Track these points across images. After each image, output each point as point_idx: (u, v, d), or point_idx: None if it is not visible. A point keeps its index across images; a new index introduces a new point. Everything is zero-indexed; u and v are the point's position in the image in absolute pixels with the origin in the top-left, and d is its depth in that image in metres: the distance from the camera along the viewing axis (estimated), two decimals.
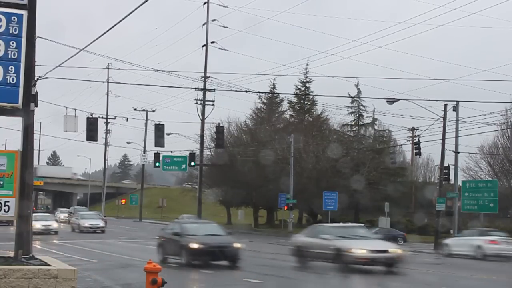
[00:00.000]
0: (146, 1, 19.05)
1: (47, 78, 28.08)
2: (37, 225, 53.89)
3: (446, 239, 47.42)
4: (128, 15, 21.14)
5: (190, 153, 73.91)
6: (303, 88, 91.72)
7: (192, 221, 44.43)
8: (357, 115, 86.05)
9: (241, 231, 67.59)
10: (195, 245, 28.27)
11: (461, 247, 42.80)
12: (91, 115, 47.30)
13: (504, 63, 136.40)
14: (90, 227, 62.64)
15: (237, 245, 29.14)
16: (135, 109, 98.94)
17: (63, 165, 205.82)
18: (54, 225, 58.64)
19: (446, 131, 54.02)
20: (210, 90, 76.19)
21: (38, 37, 19.26)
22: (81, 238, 53.00)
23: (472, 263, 38.25)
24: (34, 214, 61.16)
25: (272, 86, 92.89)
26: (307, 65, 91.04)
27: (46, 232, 56.23)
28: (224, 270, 27.55)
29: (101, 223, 64.00)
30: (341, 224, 39.56)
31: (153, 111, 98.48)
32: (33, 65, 17.33)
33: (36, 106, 17.67)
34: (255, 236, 65.73)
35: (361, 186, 71.74)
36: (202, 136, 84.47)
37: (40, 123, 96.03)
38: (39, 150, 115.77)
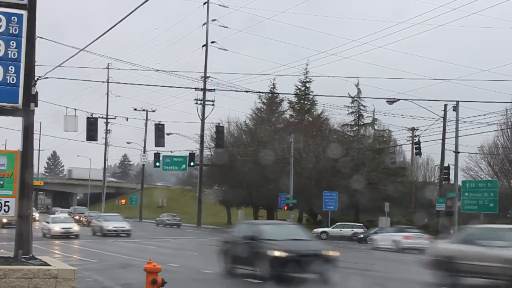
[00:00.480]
0: (146, 1, 19.06)
1: (47, 78, 28.10)
2: (56, 227, 52.48)
3: (373, 235, 54.13)
4: (128, 15, 21.17)
5: (190, 153, 73.99)
6: (303, 88, 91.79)
7: (270, 222, 41.26)
8: (357, 115, 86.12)
9: None
10: (279, 253, 22.99)
11: (384, 241, 49.41)
12: (91, 115, 47.34)
13: (504, 63, 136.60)
14: (115, 230, 56.63)
15: (330, 253, 23.75)
16: (135, 109, 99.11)
17: (63, 166, 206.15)
18: (75, 227, 54.09)
19: (446, 131, 54.16)
20: (210, 90, 76.41)
21: (38, 37, 19.27)
22: (107, 242, 47.36)
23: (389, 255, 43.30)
24: (52, 216, 60.07)
25: (272, 86, 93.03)
26: (307, 65, 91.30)
27: (66, 235, 52.03)
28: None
29: (126, 226, 57.99)
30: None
31: (153, 111, 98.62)
32: (33, 65, 17.34)
33: (36, 106, 17.67)
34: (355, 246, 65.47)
35: (361, 186, 71.80)
36: (202, 136, 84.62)
37: (40, 123, 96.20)
38: (39, 150, 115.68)
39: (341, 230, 65.86)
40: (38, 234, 50.94)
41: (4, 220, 58.21)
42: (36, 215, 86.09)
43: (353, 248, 51.66)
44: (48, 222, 55.07)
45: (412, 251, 45.34)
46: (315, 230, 68.86)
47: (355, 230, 66.64)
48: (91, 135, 46.94)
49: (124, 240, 51.19)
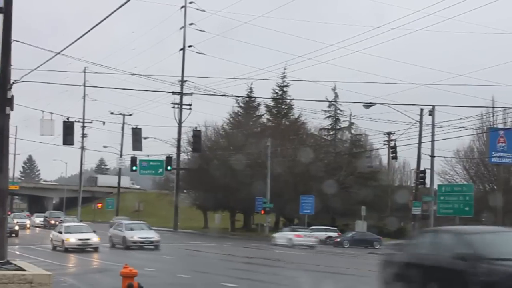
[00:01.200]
0: (123, 5, 19.02)
1: (23, 82, 27.88)
2: (71, 239, 42.43)
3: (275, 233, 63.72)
4: (104, 19, 21.10)
5: (167, 157, 73.83)
6: (280, 92, 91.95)
7: (486, 229, 20.02)
8: (334, 119, 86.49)
9: (218, 235, 67.63)
10: None
11: (281, 239, 58.51)
12: (68, 119, 47.04)
13: (479, 68, 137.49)
14: (141, 242, 46.19)
15: None
16: (112, 113, 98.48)
17: (39, 170, 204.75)
18: (94, 239, 43.37)
19: (422, 135, 54.46)
20: (187, 94, 76.33)
21: (14, 40, 19.15)
22: (135, 257, 37.71)
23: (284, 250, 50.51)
24: (65, 225, 47.31)
25: (249, 90, 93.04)
26: (284, 69, 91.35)
27: (83, 248, 42.41)
28: (201, 275, 27.45)
29: (154, 236, 47.45)
30: None
31: (130, 115, 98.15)
32: (9, 68, 17.25)
33: (12, 110, 17.59)
34: (231, 240, 65.69)
35: (338, 190, 72.06)
36: (179, 140, 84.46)
37: (16, 127, 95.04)
38: (14, 154, 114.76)
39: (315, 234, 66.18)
40: (47, 246, 45.36)
41: None
42: (27, 222, 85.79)
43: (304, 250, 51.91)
44: (60, 232, 44.29)
45: (303, 247, 55.02)
46: None
47: (329, 233, 66.92)
48: (68, 139, 46.69)
49: (102, 245, 50.79)
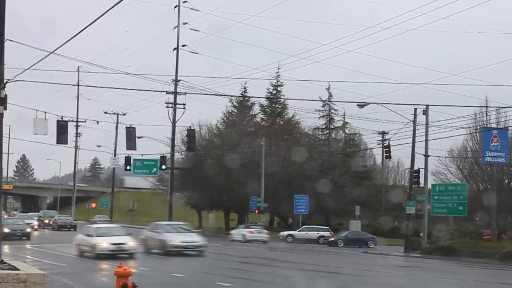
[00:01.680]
0: (116, 5, 18.98)
1: (16, 81, 27.82)
2: (103, 243, 36.10)
3: (231, 230, 70.80)
4: (98, 18, 21.04)
5: (161, 157, 73.66)
6: (274, 92, 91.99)
7: None
8: (328, 118, 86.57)
9: (212, 234, 67.59)
10: None
11: (237, 235, 64.83)
12: (62, 118, 46.95)
13: (473, 68, 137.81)
14: (184, 247, 39.91)
15: None
16: (105, 112, 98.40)
17: (33, 169, 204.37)
18: (130, 243, 36.87)
19: (416, 134, 54.42)
20: (181, 93, 76.12)
21: (7, 39, 19.10)
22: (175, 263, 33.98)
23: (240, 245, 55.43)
24: (95, 226, 42.11)
25: (243, 90, 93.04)
26: (278, 68, 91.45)
27: (117, 254, 35.90)
28: (196, 274, 27.47)
29: (199, 239, 40.93)
30: None
31: (124, 114, 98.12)
32: (2, 68, 17.20)
33: (5, 109, 17.55)
34: (225, 239, 65.71)
35: (332, 189, 72.12)
36: (173, 140, 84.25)
37: (9, 126, 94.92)
38: (8, 154, 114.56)
39: (307, 233, 66.58)
40: (70, 252, 39.26)
41: None
42: (35, 223, 79.17)
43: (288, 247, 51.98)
44: (89, 235, 37.86)
45: (255, 242, 61.05)
46: (281, 233, 69.25)
47: (321, 233, 67.04)
48: (61, 138, 46.58)
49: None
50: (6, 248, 33.63)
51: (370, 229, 69.03)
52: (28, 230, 56.28)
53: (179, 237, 40.33)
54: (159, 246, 40.46)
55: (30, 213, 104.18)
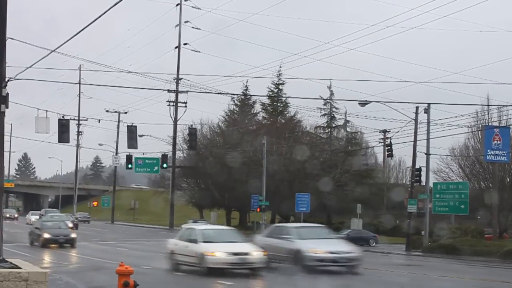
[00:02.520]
0: (118, 3, 18.97)
1: (18, 79, 27.84)
2: (218, 253, 26.12)
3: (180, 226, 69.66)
4: (98, 17, 21.04)
5: (162, 155, 73.72)
6: (276, 90, 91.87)
7: None
8: (330, 117, 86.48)
9: None
10: None
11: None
12: (63, 116, 46.99)
13: (474, 66, 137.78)
14: (333, 260, 29.01)
15: None
16: (107, 111, 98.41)
17: (34, 168, 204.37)
18: (254, 252, 26.58)
19: (418, 133, 54.38)
20: (182, 91, 76.32)
21: (9, 38, 19.10)
22: None
23: None
24: (199, 229, 29.53)
25: (245, 88, 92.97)
26: (280, 67, 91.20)
27: (239, 267, 26.71)
28: (197, 272, 27.38)
29: (352, 250, 29.85)
30: None
31: (126, 112, 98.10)
32: (4, 66, 17.19)
33: (7, 107, 17.53)
34: None
35: (333, 187, 72.07)
36: (174, 138, 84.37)
37: (11, 124, 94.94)
38: (9, 152, 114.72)
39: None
40: (156, 258, 32.88)
41: None
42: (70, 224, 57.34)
43: None
44: (191, 241, 27.61)
45: None
46: None
47: None
48: (63, 137, 46.60)
49: (96, 242, 50.74)
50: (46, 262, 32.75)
51: (372, 227, 68.96)
52: (73, 235, 44.97)
53: (323, 245, 29.10)
54: (290, 258, 29.28)
55: (31, 211, 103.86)
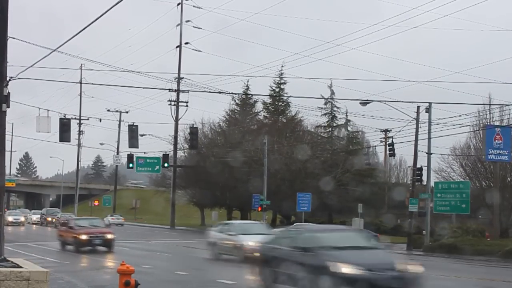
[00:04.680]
0: (118, 3, 18.98)
1: (19, 79, 27.86)
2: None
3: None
4: (99, 16, 21.06)
5: (163, 154, 73.78)
6: (277, 90, 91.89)
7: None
8: (331, 116, 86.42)
9: None
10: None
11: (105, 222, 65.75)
12: (64, 116, 47.06)
13: (476, 66, 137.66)
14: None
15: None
16: (108, 110, 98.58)
17: (36, 167, 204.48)
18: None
19: (419, 132, 54.36)
20: (183, 91, 76.29)
21: (10, 37, 19.11)
22: None
23: None
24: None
25: (246, 88, 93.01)
26: (282, 66, 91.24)
27: None
28: (198, 272, 27.46)
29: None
30: None
31: (127, 112, 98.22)
32: (5, 65, 17.20)
33: (8, 107, 17.54)
34: None
35: (334, 187, 72.05)
36: (175, 137, 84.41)
37: (12, 124, 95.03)
38: (11, 152, 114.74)
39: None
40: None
41: None
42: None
43: None
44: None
45: (114, 225, 68.30)
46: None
47: None
48: (64, 136, 46.67)
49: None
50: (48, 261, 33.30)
51: (373, 227, 68.87)
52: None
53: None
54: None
55: (32, 210, 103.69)
